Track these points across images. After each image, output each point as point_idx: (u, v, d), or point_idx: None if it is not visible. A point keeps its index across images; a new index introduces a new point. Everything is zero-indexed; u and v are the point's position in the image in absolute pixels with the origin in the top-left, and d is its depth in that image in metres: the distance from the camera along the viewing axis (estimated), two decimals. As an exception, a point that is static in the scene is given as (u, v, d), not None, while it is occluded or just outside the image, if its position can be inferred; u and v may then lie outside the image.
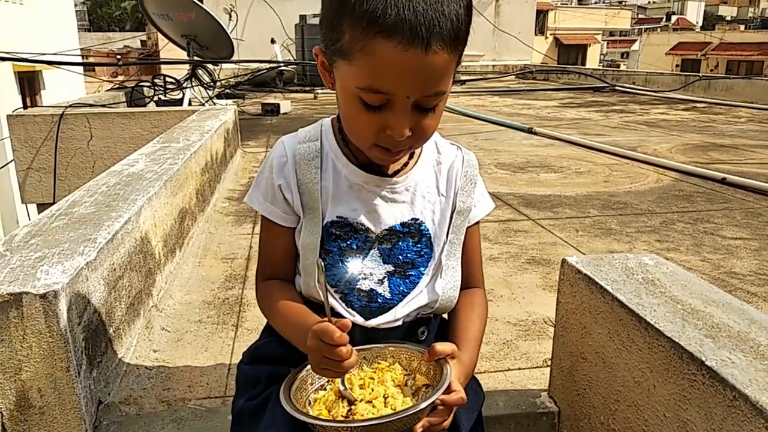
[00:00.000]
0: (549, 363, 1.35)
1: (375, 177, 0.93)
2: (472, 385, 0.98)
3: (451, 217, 0.98)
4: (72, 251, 1.25)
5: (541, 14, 25.80)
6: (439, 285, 0.97)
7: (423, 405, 0.79)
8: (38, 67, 11.17)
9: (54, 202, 4.23)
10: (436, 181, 0.98)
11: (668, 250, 2.32)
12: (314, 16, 10.40)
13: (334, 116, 0.99)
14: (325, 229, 0.94)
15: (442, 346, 0.86)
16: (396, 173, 0.94)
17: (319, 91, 9.28)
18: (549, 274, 2.06)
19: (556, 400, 1.28)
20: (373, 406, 0.84)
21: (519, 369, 1.46)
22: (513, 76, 12.68)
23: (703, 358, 0.82)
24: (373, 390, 0.88)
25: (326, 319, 0.80)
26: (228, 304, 1.82)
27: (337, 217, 0.94)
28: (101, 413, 1.23)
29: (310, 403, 0.87)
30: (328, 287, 0.95)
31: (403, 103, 0.78)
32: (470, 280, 1.04)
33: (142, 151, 2.48)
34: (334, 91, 0.87)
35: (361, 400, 0.86)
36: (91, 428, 1.18)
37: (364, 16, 0.73)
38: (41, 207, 4.51)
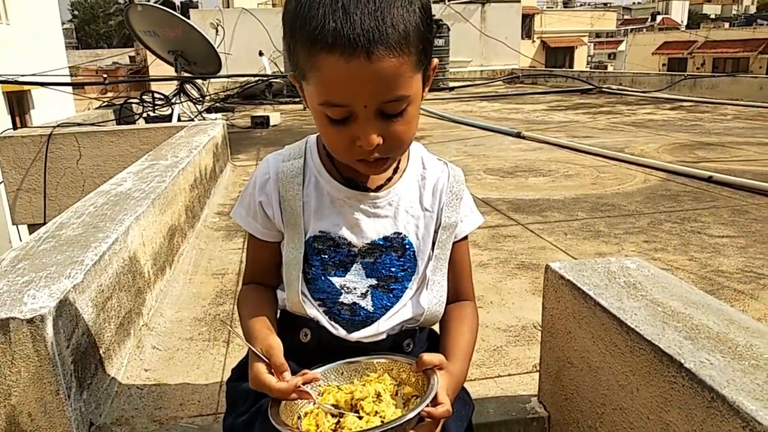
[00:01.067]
0: (538, 368, 1.36)
1: (356, 192, 0.94)
2: (461, 395, 0.98)
3: (436, 233, 0.99)
4: (59, 274, 1.26)
5: (528, 18, 26.00)
6: (424, 299, 0.98)
7: (409, 416, 0.79)
8: (26, 86, 11.15)
9: (44, 223, 4.22)
10: (420, 196, 0.98)
11: (656, 251, 2.34)
12: (301, 27, 10.43)
13: (319, 133, 1.00)
14: (308, 244, 0.95)
15: (429, 357, 0.87)
16: (379, 188, 0.95)
17: (309, 102, 9.29)
18: (538, 278, 2.07)
19: (545, 405, 1.29)
20: (361, 419, 0.85)
21: (509, 375, 1.47)
22: (501, 81, 12.75)
23: (682, 361, 0.83)
24: (361, 402, 0.89)
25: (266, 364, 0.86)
26: (219, 320, 1.82)
27: (319, 231, 0.95)
28: (92, 435, 1.23)
29: (300, 418, 0.88)
30: (312, 300, 0.97)
31: (363, 112, 0.78)
32: (460, 293, 1.05)
33: (130, 170, 2.48)
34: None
35: (356, 412, 0.87)
36: (83, 451, 1.18)
37: (307, 36, 0.75)
38: (32, 228, 4.50)
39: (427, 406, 0.82)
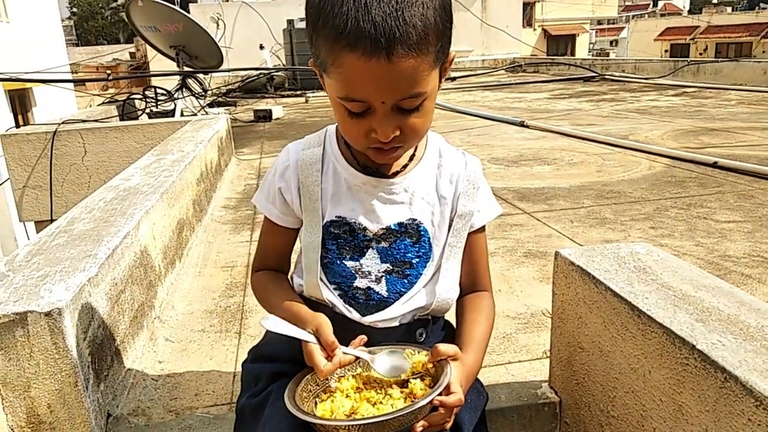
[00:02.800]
0: (548, 354, 1.37)
1: (373, 178, 0.96)
2: (475, 385, 1.00)
3: (452, 221, 1.00)
4: (73, 268, 1.27)
5: (528, 6, 25.86)
6: (437, 287, 1.00)
7: (420, 404, 0.80)
8: (28, 84, 11.17)
9: (51, 219, 4.26)
10: (436, 184, 1.00)
11: (662, 237, 2.34)
12: (301, 20, 10.41)
13: None
14: (325, 229, 0.98)
15: (444, 347, 0.88)
16: (395, 175, 0.97)
17: (311, 95, 9.31)
18: (545, 266, 2.08)
19: (556, 391, 1.31)
20: (375, 407, 0.86)
21: (519, 362, 1.48)
22: (503, 71, 12.70)
23: (695, 342, 0.84)
24: (373, 390, 0.90)
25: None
26: (230, 312, 1.84)
27: (336, 216, 0.98)
28: (111, 426, 1.25)
29: (316, 404, 0.89)
30: (328, 284, 0.99)
31: (380, 108, 0.81)
32: (477, 283, 1.06)
33: (137, 165, 2.50)
34: None
35: (372, 402, 0.88)
36: (102, 441, 1.20)
37: (330, 33, 0.77)
38: (39, 224, 4.53)
39: (440, 395, 0.83)
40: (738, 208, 2.67)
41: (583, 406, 1.19)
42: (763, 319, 0.90)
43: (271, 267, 1.07)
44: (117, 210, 1.74)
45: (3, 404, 1.11)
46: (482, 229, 1.05)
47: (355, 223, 0.97)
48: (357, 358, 0.91)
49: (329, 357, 0.88)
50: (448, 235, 1.00)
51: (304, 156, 0.99)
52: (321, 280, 0.98)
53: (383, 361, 0.91)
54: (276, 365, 1.01)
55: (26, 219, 4.51)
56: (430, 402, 0.81)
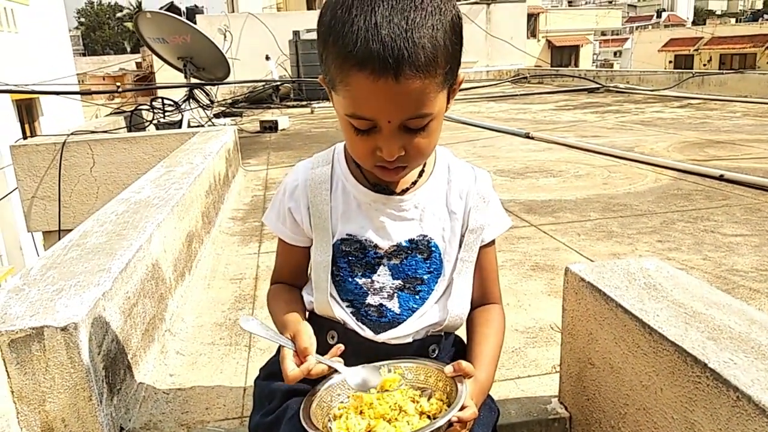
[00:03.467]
0: (558, 369, 1.38)
1: (382, 196, 0.97)
2: (486, 401, 1.00)
3: (463, 236, 1.01)
4: (88, 282, 1.29)
5: (532, 17, 25.96)
6: (449, 302, 1.00)
7: (441, 422, 0.81)
8: (35, 94, 11.26)
9: (59, 230, 4.28)
10: (446, 200, 1.00)
11: (670, 250, 2.35)
12: (307, 31, 10.49)
13: None
14: (336, 247, 0.99)
15: (467, 365, 0.87)
16: (404, 192, 0.98)
17: (316, 106, 9.35)
18: (553, 279, 2.09)
19: (566, 406, 1.31)
20: (391, 424, 0.87)
21: (529, 376, 1.48)
22: (507, 82, 12.75)
23: (706, 361, 0.85)
24: (387, 405, 0.91)
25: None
26: (239, 325, 1.85)
27: (346, 234, 0.98)
28: (123, 439, 1.26)
29: (330, 420, 0.90)
30: (340, 301, 1.00)
31: (386, 127, 0.82)
32: (487, 296, 1.07)
33: (147, 177, 2.52)
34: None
35: (387, 419, 0.88)
36: (115, 455, 1.20)
37: (340, 51, 0.78)
38: (47, 235, 4.56)
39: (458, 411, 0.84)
40: (745, 221, 2.68)
41: (593, 422, 1.19)
42: (774, 338, 0.91)
43: (285, 281, 1.09)
44: (129, 223, 1.76)
45: (18, 418, 1.12)
46: (492, 242, 1.05)
47: (365, 240, 0.98)
48: (332, 369, 0.92)
49: (300, 364, 0.88)
50: (459, 250, 1.01)
51: (313, 175, 1.00)
52: (332, 297, 0.99)
53: (356, 374, 0.91)
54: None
55: (34, 229, 4.54)
56: (448, 420, 0.82)
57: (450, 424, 0.84)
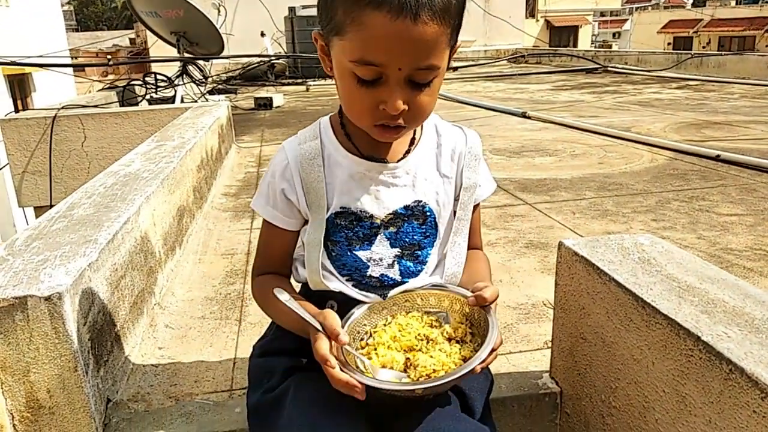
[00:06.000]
0: (549, 345, 1.37)
1: (375, 164, 0.96)
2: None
3: (457, 196, 1.01)
4: (74, 253, 1.26)
5: (531, -3, 25.67)
6: (447, 261, 1.01)
7: (484, 355, 0.82)
8: (28, 69, 11.10)
9: (51, 205, 4.24)
10: (437, 163, 1.00)
11: (664, 229, 2.34)
12: (303, 7, 10.35)
13: (332, 114, 1.01)
14: (330, 221, 0.96)
15: (490, 294, 0.89)
16: (398, 161, 0.97)
17: (311, 83, 9.27)
18: (547, 257, 2.08)
19: (557, 381, 1.30)
20: (431, 356, 0.87)
21: (520, 352, 1.48)
22: (505, 61, 12.65)
23: (699, 334, 0.84)
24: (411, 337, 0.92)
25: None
26: (230, 299, 1.83)
27: (340, 207, 0.96)
28: (110, 411, 1.24)
29: (359, 360, 0.87)
30: (339, 276, 0.98)
31: (395, 75, 0.79)
32: (472, 246, 1.09)
33: (137, 151, 2.48)
34: (333, 77, 0.89)
35: (432, 342, 0.91)
36: (101, 426, 1.19)
37: None
38: (38, 210, 4.52)
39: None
40: (740, 201, 2.67)
41: (584, 397, 1.19)
42: (768, 312, 0.90)
43: (273, 270, 1.04)
44: (117, 195, 1.73)
45: (2, 388, 1.10)
46: (478, 204, 1.06)
47: (360, 211, 0.96)
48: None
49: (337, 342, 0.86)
50: (455, 211, 1.02)
51: (302, 151, 0.97)
52: (329, 272, 0.98)
53: (385, 374, 0.88)
54: (291, 359, 0.99)
55: (25, 204, 4.49)
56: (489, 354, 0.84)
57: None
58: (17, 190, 4.40)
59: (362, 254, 0.97)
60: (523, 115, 5.41)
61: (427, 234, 0.99)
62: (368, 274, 0.98)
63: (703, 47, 26.49)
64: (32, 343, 1.09)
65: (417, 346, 0.90)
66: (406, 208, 0.97)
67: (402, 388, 0.82)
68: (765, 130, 4.41)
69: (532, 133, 4.61)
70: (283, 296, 0.91)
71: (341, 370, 0.82)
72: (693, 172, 3.23)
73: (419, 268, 0.99)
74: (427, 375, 0.85)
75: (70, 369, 1.12)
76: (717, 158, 3.44)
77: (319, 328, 0.87)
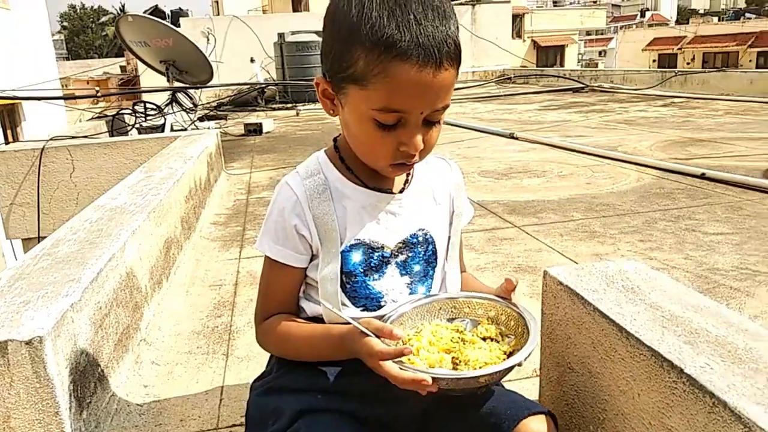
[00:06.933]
0: (538, 373, 1.36)
1: (384, 195, 0.99)
2: None
3: (451, 222, 1.07)
4: (56, 293, 1.25)
5: (517, 18, 26.07)
6: (447, 286, 1.06)
7: (532, 347, 0.89)
8: (17, 100, 11.09)
9: (39, 237, 4.21)
10: (432, 192, 1.05)
11: (651, 250, 2.35)
12: (292, 33, 10.45)
13: (326, 148, 1.02)
14: (345, 254, 0.97)
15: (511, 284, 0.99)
16: (402, 191, 1.01)
17: (301, 108, 9.31)
18: (535, 281, 2.08)
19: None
20: (480, 348, 0.92)
21: (510, 380, 1.46)
22: (493, 82, 12.79)
23: (683, 366, 0.83)
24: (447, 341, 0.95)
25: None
26: (217, 333, 1.82)
27: (354, 240, 0.97)
28: (94, 455, 1.22)
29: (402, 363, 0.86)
30: (354, 308, 0.98)
31: (416, 119, 0.85)
32: (460, 269, 1.14)
33: (124, 183, 2.48)
34: (337, 117, 0.93)
35: (468, 342, 0.95)
36: (84, 471, 1.17)
37: (379, 43, 0.79)
38: (26, 242, 4.49)
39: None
40: (726, 220, 2.68)
41: (573, 427, 1.18)
42: (751, 341, 0.90)
43: (281, 311, 1.01)
44: (102, 231, 1.72)
45: (-18, 435, 1.08)
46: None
47: (372, 242, 0.98)
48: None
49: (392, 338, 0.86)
50: (450, 236, 1.06)
51: (308, 185, 0.96)
52: (345, 305, 0.97)
53: (439, 372, 0.89)
54: (300, 399, 0.94)
55: (13, 236, 4.46)
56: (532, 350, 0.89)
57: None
58: (5, 222, 4.37)
59: (376, 285, 0.98)
60: (511, 136, 5.45)
61: (430, 261, 1.03)
62: (382, 304, 0.99)
63: (688, 64, 26.92)
64: (12, 387, 1.08)
65: (455, 347, 0.93)
66: (413, 236, 1.01)
67: (467, 376, 0.85)
68: (749, 147, 4.46)
69: (520, 154, 4.64)
70: (329, 305, 0.93)
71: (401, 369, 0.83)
72: (679, 190, 3.26)
73: (426, 294, 1.03)
74: (479, 367, 0.88)
75: (51, 414, 1.10)
76: (702, 176, 3.47)
77: (367, 331, 0.85)
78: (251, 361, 1.62)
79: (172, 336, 1.80)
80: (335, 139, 1.02)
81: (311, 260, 0.99)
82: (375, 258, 0.98)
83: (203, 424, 1.34)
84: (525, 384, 1.44)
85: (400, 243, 1.00)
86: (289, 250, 0.97)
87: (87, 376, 1.26)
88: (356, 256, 0.97)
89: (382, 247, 0.98)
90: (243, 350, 1.69)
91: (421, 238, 1.02)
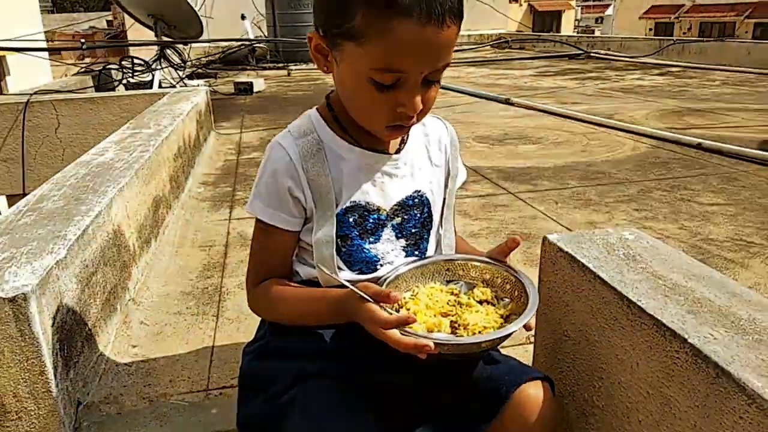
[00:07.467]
0: (532, 340, 1.35)
1: (381, 156, 0.95)
2: None
3: (446, 184, 1.04)
4: (41, 250, 1.21)
5: (515, -19, 25.55)
6: (442, 249, 1.05)
7: (533, 313, 0.89)
8: (1, 53, 10.78)
9: (24, 193, 4.13)
10: (428, 153, 1.02)
11: (646, 219, 2.33)
12: (285, -11, 10.16)
13: (318, 106, 0.97)
14: (340, 217, 0.93)
15: (504, 248, 1.01)
16: (398, 151, 0.97)
17: (293, 68, 9.14)
18: (530, 248, 2.06)
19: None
20: (477, 312, 0.92)
21: (502, 346, 1.46)
22: (489, 46, 12.60)
23: (686, 336, 0.82)
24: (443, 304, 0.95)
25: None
26: (207, 294, 1.79)
27: (350, 202, 0.94)
28: (81, 414, 1.20)
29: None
30: (349, 271, 0.96)
31: (416, 79, 0.80)
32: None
33: (111, 139, 2.41)
34: (331, 74, 0.88)
35: (465, 305, 0.94)
36: (71, 430, 1.15)
37: None
38: (11, 198, 4.40)
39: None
40: (721, 190, 2.67)
41: (566, 395, 1.17)
42: (755, 311, 0.88)
43: (274, 275, 0.97)
44: (89, 187, 1.67)
45: (-35, 393, 1.06)
46: None
47: (368, 204, 0.94)
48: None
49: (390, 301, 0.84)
50: (445, 198, 1.04)
51: (302, 145, 0.92)
52: (341, 268, 0.94)
53: (438, 336, 0.87)
54: (296, 364, 0.92)
55: (-2, 193, 4.38)
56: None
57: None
58: (-11, 177, 4.27)
59: (372, 248, 0.96)
60: (507, 102, 5.38)
61: (426, 223, 1.01)
62: (378, 267, 0.96)
63: (684, 33, 26.66)
64: (-4, 346, 1.05)
65: (452, 311, 0.92)
66: (408, 198, 0.98)
67: (469, 341, 0.85)
68: (746, 118, 4.44)
69: (516, 120, 4.58)
70: (326, 269, 0.92)
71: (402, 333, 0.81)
72: (675, 160, 3.24)
73: (420, 257, 1.01)
74: (478, 332, 0.88)
75: (37, 373, 1.08)
76: (699, 146, 3.45)
77: (366, 296, 0.83)
78: (242, 323, 1.60)
79: (161, 296, 1.78)
80: (327, 96, 0.97)
81: (305, 224, 0.95)
82: (371, 221, 0.95)
83: (193, 385, 1.33)
84: (518, 350, 1.43)
85: (396, 205, 0.97)
86: (282, 213, 0.92)
87: (74, 335, 1.23)
88: (352, 219, 0.94)
89: (378, 210, 0.95)
90: (233, 312, 1.66)
91: (417, 201, 0.99)
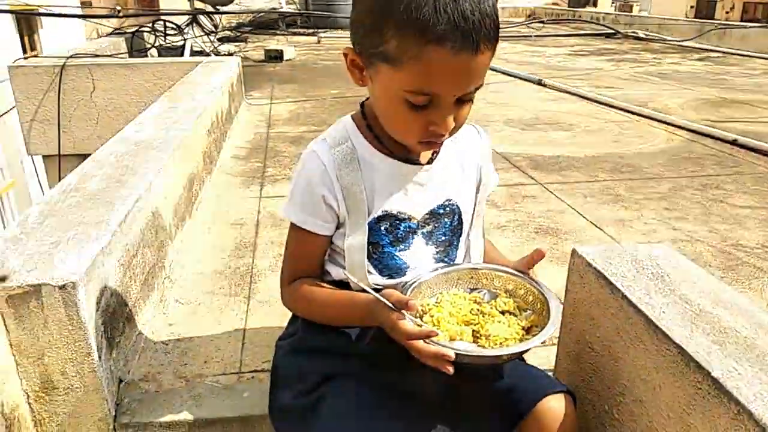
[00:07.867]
0: (555, 342, 1.38)
1: (414, 166, 0.98)
2: None
3: (477, 192, 1.06)
4: (86, 236, 1.26)
5: (554, -49, 24.71)
6: (471, 255, 1.07)
7: (557, 324, 0.93)
8: (35, 5, 10.85)
9: (59, 154, 4.22)
10: (460, 161, 1.04)
11: (676, 219, 2.32)
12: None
13: (353, 113, 1.00)
14: (372, 225, 0.97)
15: (530, 260, 1.02)
16: (430, 161, 1.00)
17: (323, 35, 9.07)
18: (556, 244, 2.07)
19: (561, 381, 1.32)
20: (499, 322, 0.94)
21: (525, 347, 1.49)
22: (523, 22, 12.31)
23: (710, 369, 0.84)
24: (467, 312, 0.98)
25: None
26: (239, 274, 1.85)
27: (382, 211, 0.97)
28: (122, 392, 1.27)
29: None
30: (379, 277, 1.00)
31: (449, 100, 0.82)
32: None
33: (148, 114, 2.45)
34: (365, 87, 0.91)
35: (488, 315, 0.97)
36: (114, 407, 1.22)
37: (414, 25, 0.75)
38: (47, 159, 4.51)
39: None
40: (755, 192, 2.63)
41: (587, 402, 1.20)
42: (781, 345, 0.90)
43: (307, 275, 1.03)
44: (128, 168, 1.72)
45: (18, 370, 1.13)
46: None
47: (399, 213, 0.98)
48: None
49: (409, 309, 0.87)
50: (475, 205, 1.06)
51: (336, 155, 0.95)
52: (370, 273, 0.98)
53: (459, 346, 0.91)
54: (326, 363, 0.98)
55: (34, 152, 4.49)
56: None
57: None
58: (26, 137, 4.38)
59: (402, 255, 0.99)
60: (539, 83, 5.30)
61: (456, 231, 1.04)
62: (407, 273, 1.00)
63: (727, 12, 25.64)
64: (46, 328, 1.11)
65: (474, 320, 0.95)
66: (440, 206, 1.01)
67: (491, 354, 0.89)
68: (785, 112, 4.32)
69: (547, 104, 4.53)
70: (354, 279, 0.95)
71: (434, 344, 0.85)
72: (709, 156, 3.18)
73: (449, 264, 1.04)
74: (499, 343, 0.91)
75: (84, 354, 1.14)
76: (734, 142, 3.38)
77: (390, 304, 0.86)
78: (272, 306, 1.65)
79: (195, 275, 1.84)
80: (362, 104, 1.00)
81: (336, 228, 0.99)
82: (402, 229, 0.99)
83: (226, 368, 1.39)
84: (541, 352, 1.46)
85: (426, 214, 1.00)
86: (316, 219, 0.97)
87: (116, 316, 1.30)
88: (383, 227, 0.97)
89: (409, 218, 0.99)
90: (264, 294, 1.72)
91: (447, 209, 1.02)
